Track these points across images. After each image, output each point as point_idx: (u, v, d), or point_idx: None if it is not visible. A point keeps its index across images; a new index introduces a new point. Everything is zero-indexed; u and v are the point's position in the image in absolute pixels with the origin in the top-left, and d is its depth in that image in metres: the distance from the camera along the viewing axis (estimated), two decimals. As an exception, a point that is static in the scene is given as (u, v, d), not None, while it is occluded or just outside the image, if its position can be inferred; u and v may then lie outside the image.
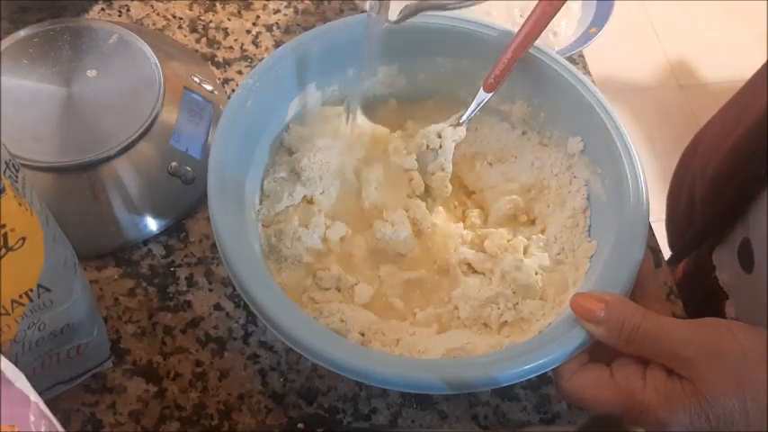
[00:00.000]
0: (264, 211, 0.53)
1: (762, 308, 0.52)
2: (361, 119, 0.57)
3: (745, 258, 0.57)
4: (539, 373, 0.43)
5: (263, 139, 0.53)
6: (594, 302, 0.43)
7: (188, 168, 0.56)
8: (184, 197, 0.57)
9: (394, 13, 0.49)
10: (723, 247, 0.62)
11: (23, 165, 0.49)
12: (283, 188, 0.53)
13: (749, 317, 0.54)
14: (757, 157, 0.53)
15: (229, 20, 0.68)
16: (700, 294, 0.63)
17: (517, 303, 0.50)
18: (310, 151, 0.53)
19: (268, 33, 0.67)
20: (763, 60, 0.63)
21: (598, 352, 0.44)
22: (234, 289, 0.53)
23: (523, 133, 0.57)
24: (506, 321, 0.50)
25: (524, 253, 0.53)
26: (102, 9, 0.67)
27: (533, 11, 0.52)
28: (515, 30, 0.53)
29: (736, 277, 0.59)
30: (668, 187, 0.76)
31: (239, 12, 0.68)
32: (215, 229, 0.46)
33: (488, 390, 0.52)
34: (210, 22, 0.67)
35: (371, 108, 0.58)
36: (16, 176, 0.37)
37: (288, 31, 0.68)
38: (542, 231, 0.54)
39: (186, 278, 0.55)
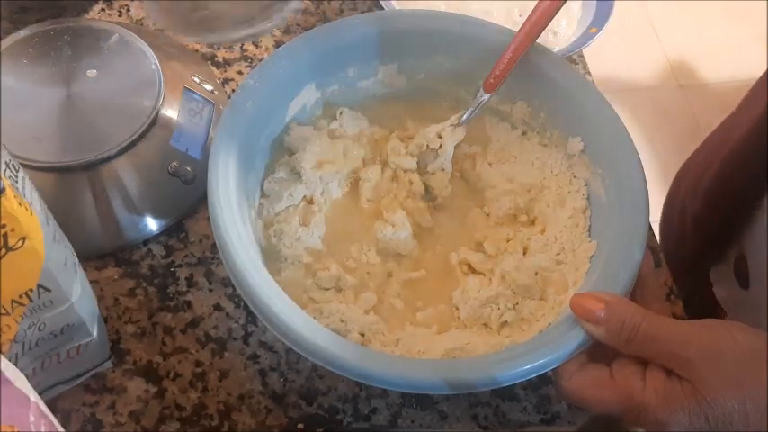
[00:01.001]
0: (264, 211, 0.53)
1: (759, 323, 0.52)
2: (360, 119, 0.57)
3: (742, 274, 0.57)
4: (539, 373, 0.43)
5: (263, 140, 0.53)
6: (594, 302, 0.43)
7: (188, 168, 0.56)
8: (184, 197, 0.57)
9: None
10: (720, 263, 0.62)
11: (23, 165, 0.49)
12: (283, 188, 0.53)
13: None
14: (748, 171, 0.54)
15: (229, 20, 0.68)
16: (699, 309, 0.63)
17: (517, 303, 0.50)
18: (310, 151, 0.53)
19: (268, 33, 0.67)
20: (763, 60, 0.64)
21: (598, 352, 0.44)
22: (234, 289, 0.53)
23: (524, 133, 0.57)
24: (506, 321, 0.50)
25: (524, 253, 0.53)
26: (102, 9, 0.67)
27: (533, 11, 0.51)
28: (515, 30, 0.53)
29: (734, 293, 0.59)
30: (660, 217, 0.76)
31: (239, 12, 0.68)
32: (215, 229, 0.46)
33: (488, 390, 0.51)
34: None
35: (371, 108, 0.58)
36: (16, 176, 0.37)
37: (288, 31, 0.68)
38: (542, 231, 0.54)
39: (186, 278, 0.55)
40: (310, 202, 0.54)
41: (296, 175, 0.54)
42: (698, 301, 0.63)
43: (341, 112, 0.56)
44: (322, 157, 0.54)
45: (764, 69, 0.62)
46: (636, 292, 0.47)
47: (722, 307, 0.61)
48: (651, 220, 0.49)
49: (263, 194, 0.53)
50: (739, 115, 0.65)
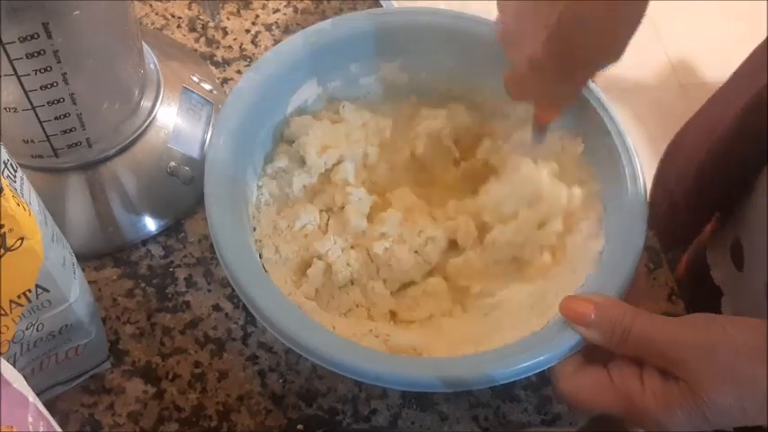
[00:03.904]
0: (263, 210, 0.52)
1: (754, 304, 0.52)
2: (362, 112, 0.57)
3: (738, 257, 0.57)
4: (535, 372, 0.43)
5: (263, 135, 0.52)
6: (584, 305, 0.43)
7: (187, 168, 0.56)
8: (183, 197, 0.57)
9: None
10: (716, 245, 0.62)
11: (21, 165, 0.48)
12: (283, 179, 0.53)
13: (743, 314, 0.54)
14: (744, 148, 0.54)
15: (228, 19, 0.67)
16: (701, 291, 0.63)
17: None
18: (313, 135, 0.53)
19: (267, 33, 0.67)
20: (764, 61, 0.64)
21: (594, 352, 0.44)
22: (233, 290, 0.53)
23: (524, 134, 0.57)
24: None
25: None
26: (102, 8, 0.67)
27: None
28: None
29: (730, 275, 0.59)
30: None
31: (238, 11, 0.68)
32: (212, 228, 0.46)
33: (488, 390, 0.51)
34: (209, 21, 0.67)
35: (373, 105, 0.57)
36: (15, 176, 0.37)
37: (287, 30, 0.67)
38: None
39: (185, 279, 0.55)
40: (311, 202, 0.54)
41: (296, 164, 0.53)
42: (699, 284, 0.64)
43: (343, 106, 0.56)
44: (326, 142, 0.53)
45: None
46: (627, 291, 0.46)
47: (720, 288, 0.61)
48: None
49: (260, 190, 0.53)
50: (730, 92, 0.65)
